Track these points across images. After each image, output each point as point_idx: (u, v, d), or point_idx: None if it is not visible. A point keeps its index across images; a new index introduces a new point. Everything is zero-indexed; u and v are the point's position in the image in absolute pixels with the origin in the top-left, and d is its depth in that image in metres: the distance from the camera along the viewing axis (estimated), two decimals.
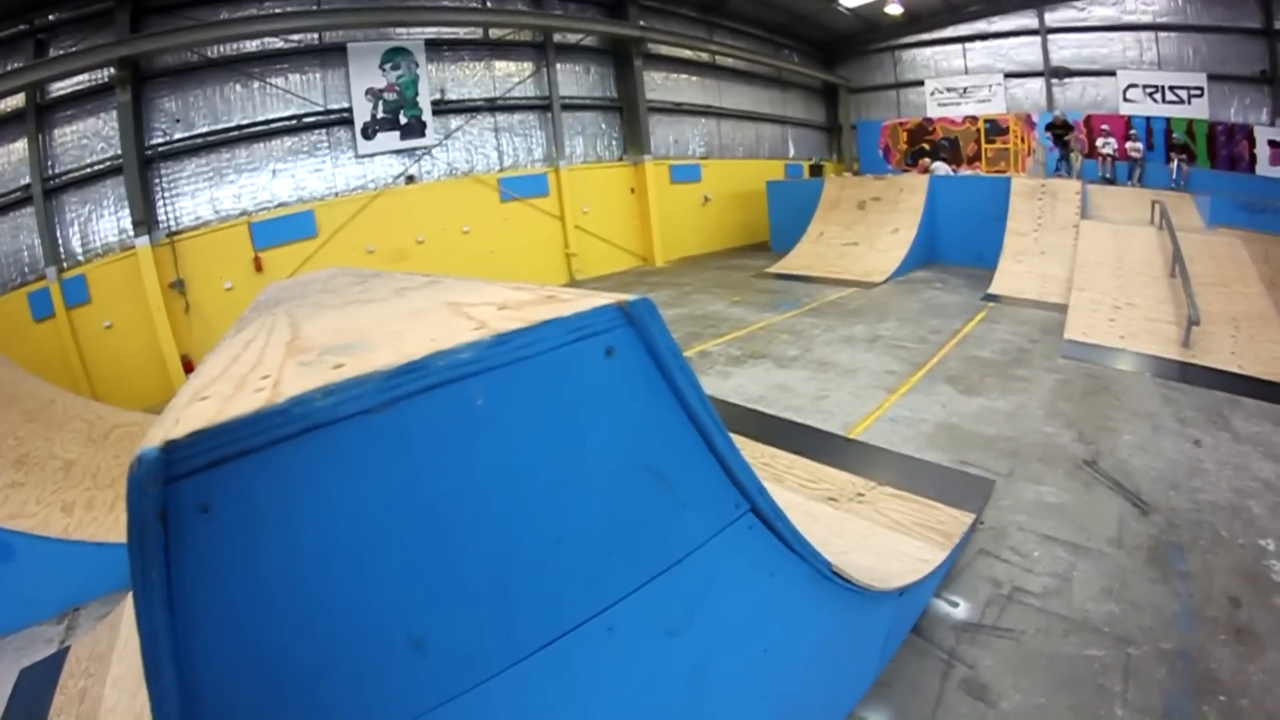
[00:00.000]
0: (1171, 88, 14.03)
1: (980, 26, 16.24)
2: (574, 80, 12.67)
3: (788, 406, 5.27)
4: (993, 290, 8.88)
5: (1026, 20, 15.54)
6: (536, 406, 1.04)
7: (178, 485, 0.84)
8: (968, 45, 16.58)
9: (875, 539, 2.98)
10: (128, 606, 3.24)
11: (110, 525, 3.82)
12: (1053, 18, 15.20)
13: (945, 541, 3.06)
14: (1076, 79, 15.20)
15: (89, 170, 8.28)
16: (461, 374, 0.94)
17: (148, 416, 5.78)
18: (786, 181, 16.02)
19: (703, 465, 1.30)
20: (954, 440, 4.48)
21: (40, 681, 2.90)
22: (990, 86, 16.37)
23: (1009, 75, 16.06)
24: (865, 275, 10.40)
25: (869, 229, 11.50)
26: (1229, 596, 2.80)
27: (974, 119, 16.70)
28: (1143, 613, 2.73)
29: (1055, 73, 15.38)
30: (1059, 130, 13.94)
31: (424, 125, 10.65)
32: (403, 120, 10.42)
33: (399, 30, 10.25)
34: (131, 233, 8.20)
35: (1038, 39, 15.45)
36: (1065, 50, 15.21)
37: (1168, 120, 14.07)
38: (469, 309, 1.15)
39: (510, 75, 11.74)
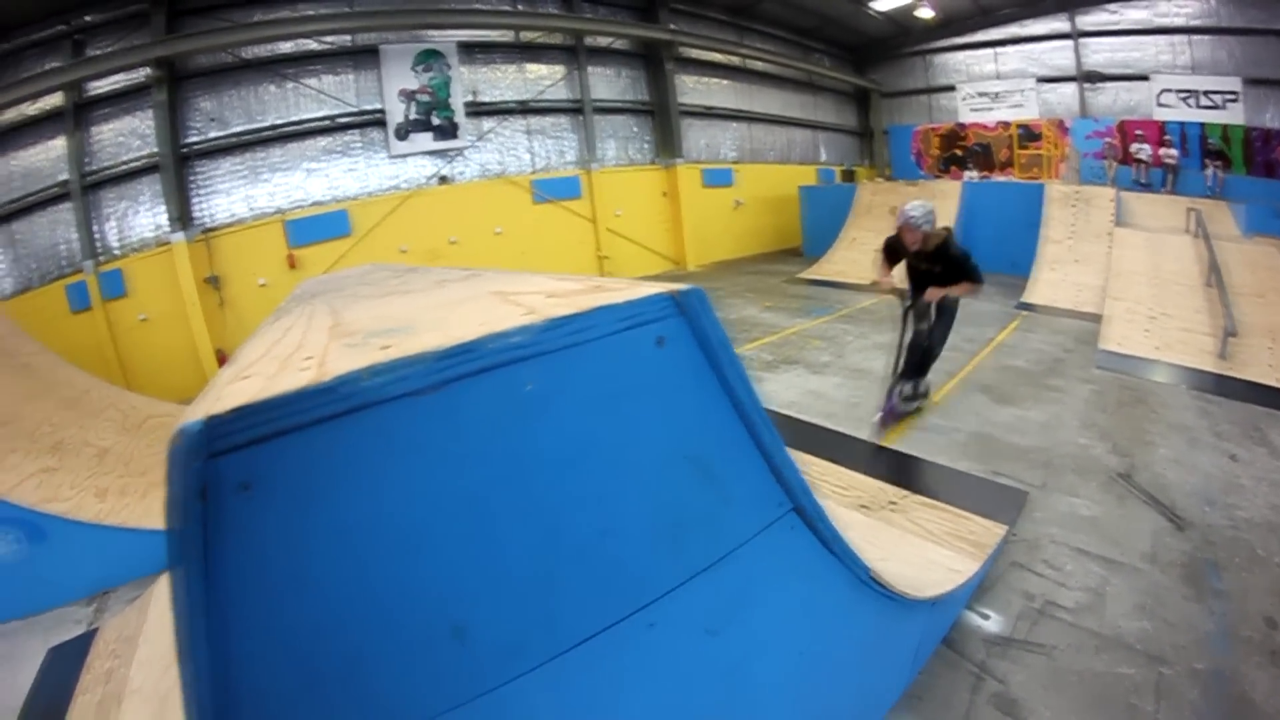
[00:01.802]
0: (1206, 92, 13.66)
1: (1012, 30, 16.00)
2: (606, 83, 12.68)
3: (821, 413, 5.21)
4: (1027, 299, 8.71)
5: (1058, 24, 15.27)
6: (587, 393, 1.01)
7: (219, 461, 0.83)
8: (999, 49, 16.35)
9: (907, 548, 2.91)
10: (157, 591, 3.27)
11: (142, 512, 3.86)
12: (1085, 21, 14.93)
13: (978, 553, 2.99)
14: (1109, 84, 14.90)
15: (126, 167, 8.48)
16: (513, 357, 0.92)
17: (181, 408, 5.86)
18: (819, 187, 15.82)
19: (748, 461, 1.27)
20: (987, 450, 4.39)
21: (68, 660, 2.93)
22: (1023, 91, 16.11)
23: (1042, 80, 15.79)
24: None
25: None
26: (1265, 617, 2.69)
27: (1006, 124, 16.45)
28: (1176, 631, 2.63)
29: (1088, 77, 15.10)
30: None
31: (456, 127, 10.70)
32: (435, 121, 10.49)
33: (431, 32, 10.33)
34: (168, 229, 8.38)
35: (1070, 43, 15.18)
36: (1098, 54, 14.93)
37: (1202, 125, 13.70)
38: (516, 296, 1.12)
39: (542, 78, 11.78)
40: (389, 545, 0.92)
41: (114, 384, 6.07)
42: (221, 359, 8.38)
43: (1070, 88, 15.44)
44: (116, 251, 8.43)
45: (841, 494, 3.44)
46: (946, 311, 4.97)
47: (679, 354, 1.10)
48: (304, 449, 0.84)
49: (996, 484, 3.85)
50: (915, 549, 2.92)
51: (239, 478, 0.84)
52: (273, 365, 1.00)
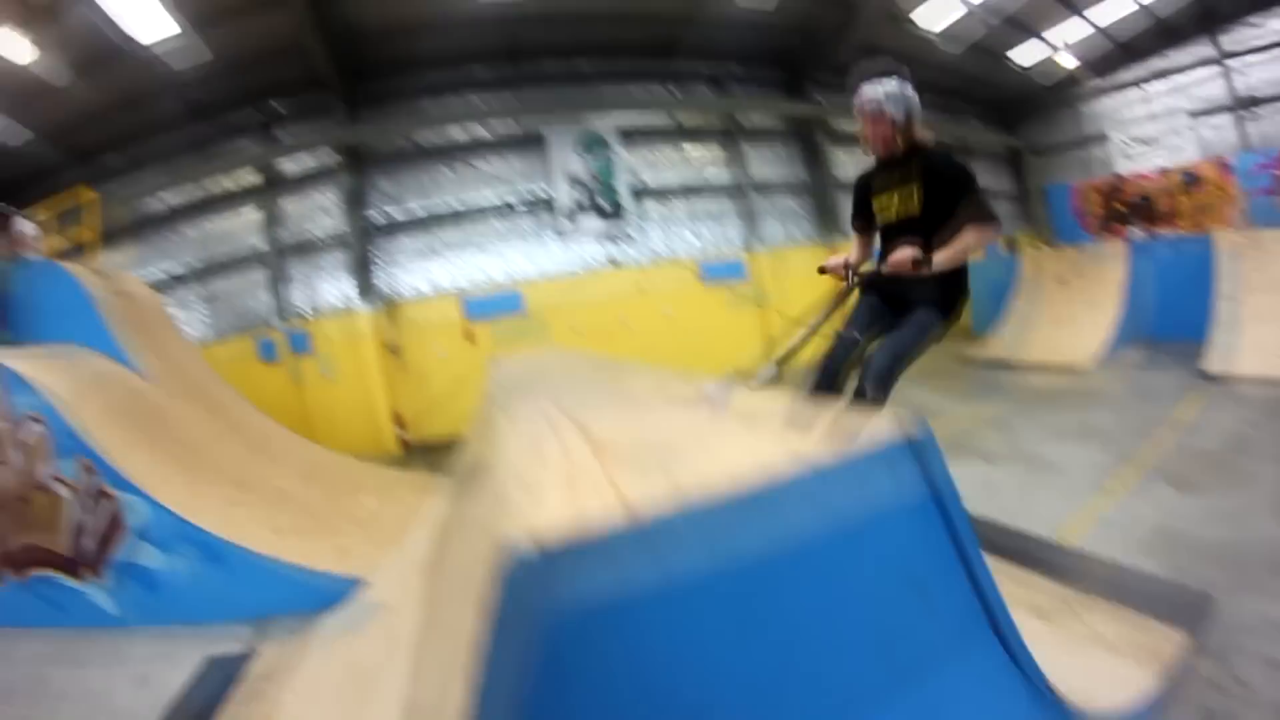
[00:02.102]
0: None
1: (1155, 64, 14.81)
2: (763, 162, 12.67)
3: (994, 507, 4.91)
4: (1204, 366, 7.87)
5: (1202, 49, 13.92)
6: (839, 528, 1.16)
7: (543, 590, 0.95)
8: (1146, 86, 15.14)
9: (1081, 655, 2.75)
10: (320, 628, 3.45)
11: (310, 552, 4.09)
12: (1229, 40, 13.49)
13: (1156, 663, 2.76)
14: (1269, 107, 13.32)
15: (312, 238, 9.72)
16: (789, 498, 1.07)
17: (358, 462, 6.38)
18: (983, 260, 15.04)
19: (956, 579, 1.35)
20: (1169, 545, 4.01)
21: (224, 671, 3.13)
22: (1178, 131, 14.78)
23: (1195, 114, 14.41)
24: (1070, 358, 9.59)
25: (1071, 307, 10.54)
26: None
27: (1166, 170, 15.12)
28: None
29: (1243, 103, 13.59)
30: None
31: (621, 209, 11.10)
32: (602, 205, 10.95)
33: (593, 118, 10.89)
34: (351, 296, 9.44)
35: (1218, 68, 13.81)
36: (1249, 76, 13.43)
37: None
38: (765, 425, 1.27)
39: (702, 159, 12.01)
40: (664, 687, 1.02)
41: (295, 432, 6.43)
42: (398, 421, 9.10)
43: (1226, 119, 13.97)
44: (304, 313, 9.56)
45: (1014, 595, 3.27)
46: (925, 302, 2.79)
47: (911, 491, 1.22)
48: (614, 590, 0.98)
49: (1179, 585, 3.50)
50: (1089, 657, 2.75)
51: (557, 609, 0.96)
52: (558, 484, 1.20)
